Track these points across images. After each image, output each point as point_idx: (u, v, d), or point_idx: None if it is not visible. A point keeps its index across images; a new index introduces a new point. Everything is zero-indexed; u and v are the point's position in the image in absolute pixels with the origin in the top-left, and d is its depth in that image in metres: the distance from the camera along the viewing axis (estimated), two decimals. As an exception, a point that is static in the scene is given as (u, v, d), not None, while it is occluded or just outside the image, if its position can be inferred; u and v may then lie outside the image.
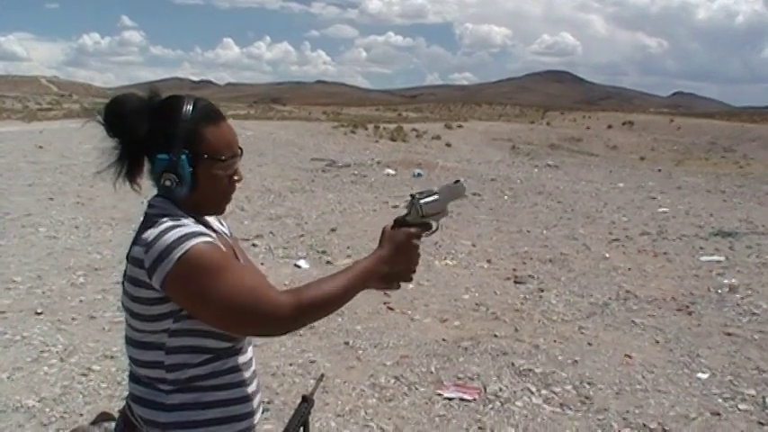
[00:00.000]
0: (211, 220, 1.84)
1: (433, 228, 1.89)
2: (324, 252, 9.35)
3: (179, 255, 1.56)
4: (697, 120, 51.34)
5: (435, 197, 1.89)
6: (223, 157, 1.72)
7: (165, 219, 1.65)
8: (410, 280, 1.87)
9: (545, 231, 11.64)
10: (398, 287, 1.89)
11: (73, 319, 6.23)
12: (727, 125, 44.55)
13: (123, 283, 1.69)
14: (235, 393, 1.74)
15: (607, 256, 9.75)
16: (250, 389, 1.79)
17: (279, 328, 1.67)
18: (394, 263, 1.79)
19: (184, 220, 1.66)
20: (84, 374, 5.00)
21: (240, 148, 1.80)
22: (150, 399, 1.70)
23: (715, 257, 9.66)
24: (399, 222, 1.86)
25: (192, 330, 1.65)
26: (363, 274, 1.74)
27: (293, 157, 22.26)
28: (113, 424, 1.88)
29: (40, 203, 12.03)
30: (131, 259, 1.64)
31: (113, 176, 1.75)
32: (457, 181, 1.96)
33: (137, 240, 1.65)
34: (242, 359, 1.78)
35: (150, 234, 1.61)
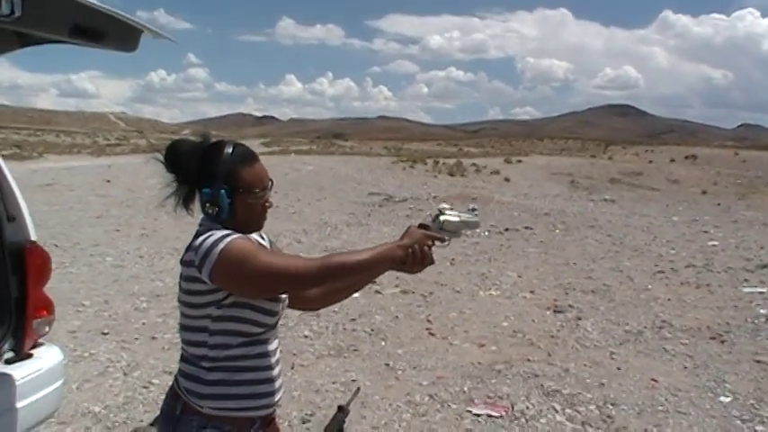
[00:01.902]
0: (253, 235, 2.25)
1: (445, 242, 2.30)
2: (374, 282, 9.68)
3: (220, 249, 2.01)
4: (763, 152, 50.27)
5: (456, 219, 2.33)
6: (256, 190, 2.18)
7: (209, 231, 2.10)
8: (419, 271, 2.26)
9: (591, 264, 11.80)
10: (411, 273, 2.27)
11: (136, 339, 6.77)
12: (796, 157, 43.63)
13: (180, 282, 2.15)
14: (260, 375, 2.18)
15: (649, 287, 9.89)
16: (273, 373, 2.22)
17: (308, 281, 2.12)
18: (408, 251, 2.19)
19: (224, 231, 2.10)
20: (145, 387, 5.49)
21: (271, 180, 2.25)
22: (194, 374, 2.14)
23: (758, 289, 9.72)
24: (422, 226, 2.29)
25: (230, 317, 2.10)
26: (383, 252, 2.16)
27: (351, 191, 22.76)
28: None
29: (108, 234, 12.82)
30: (184, 262, 2.10)
31: (173, 204, 2.22)
32: (475, 212, 2.44)
33: (188, 248, 2.11)
34: (269, 347, 2.22)
35: (198, 241, 2.07)
